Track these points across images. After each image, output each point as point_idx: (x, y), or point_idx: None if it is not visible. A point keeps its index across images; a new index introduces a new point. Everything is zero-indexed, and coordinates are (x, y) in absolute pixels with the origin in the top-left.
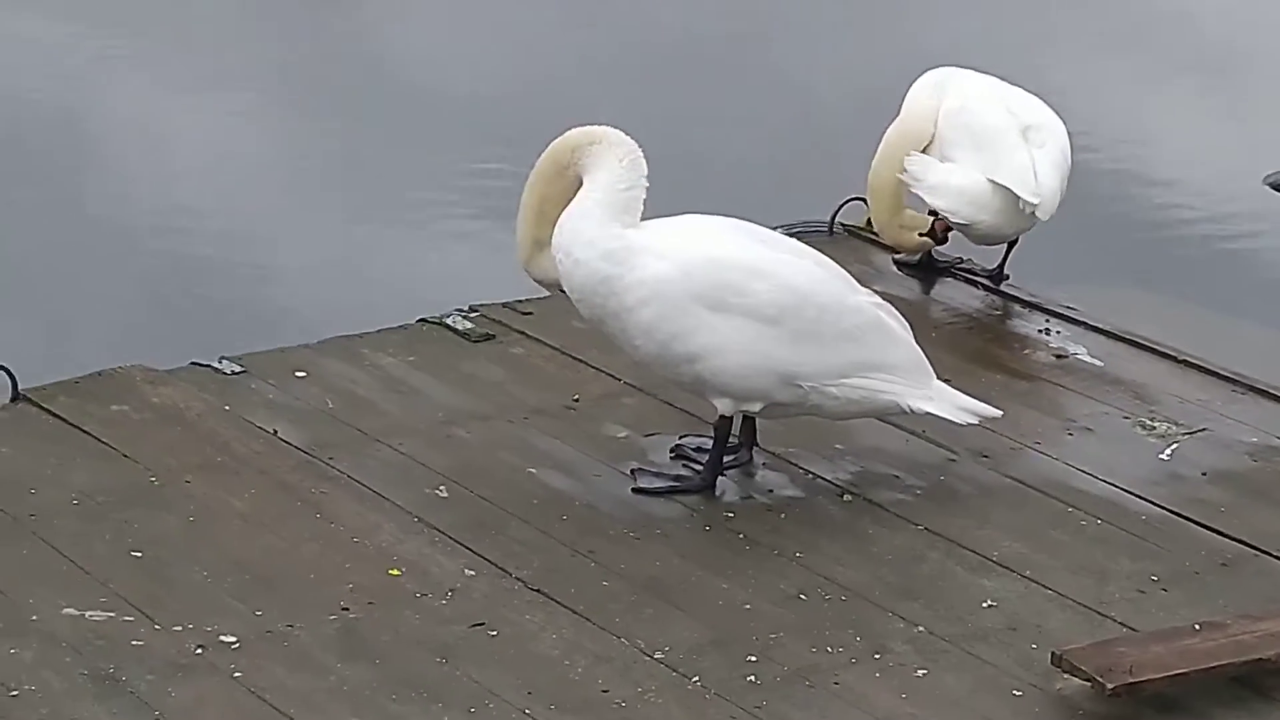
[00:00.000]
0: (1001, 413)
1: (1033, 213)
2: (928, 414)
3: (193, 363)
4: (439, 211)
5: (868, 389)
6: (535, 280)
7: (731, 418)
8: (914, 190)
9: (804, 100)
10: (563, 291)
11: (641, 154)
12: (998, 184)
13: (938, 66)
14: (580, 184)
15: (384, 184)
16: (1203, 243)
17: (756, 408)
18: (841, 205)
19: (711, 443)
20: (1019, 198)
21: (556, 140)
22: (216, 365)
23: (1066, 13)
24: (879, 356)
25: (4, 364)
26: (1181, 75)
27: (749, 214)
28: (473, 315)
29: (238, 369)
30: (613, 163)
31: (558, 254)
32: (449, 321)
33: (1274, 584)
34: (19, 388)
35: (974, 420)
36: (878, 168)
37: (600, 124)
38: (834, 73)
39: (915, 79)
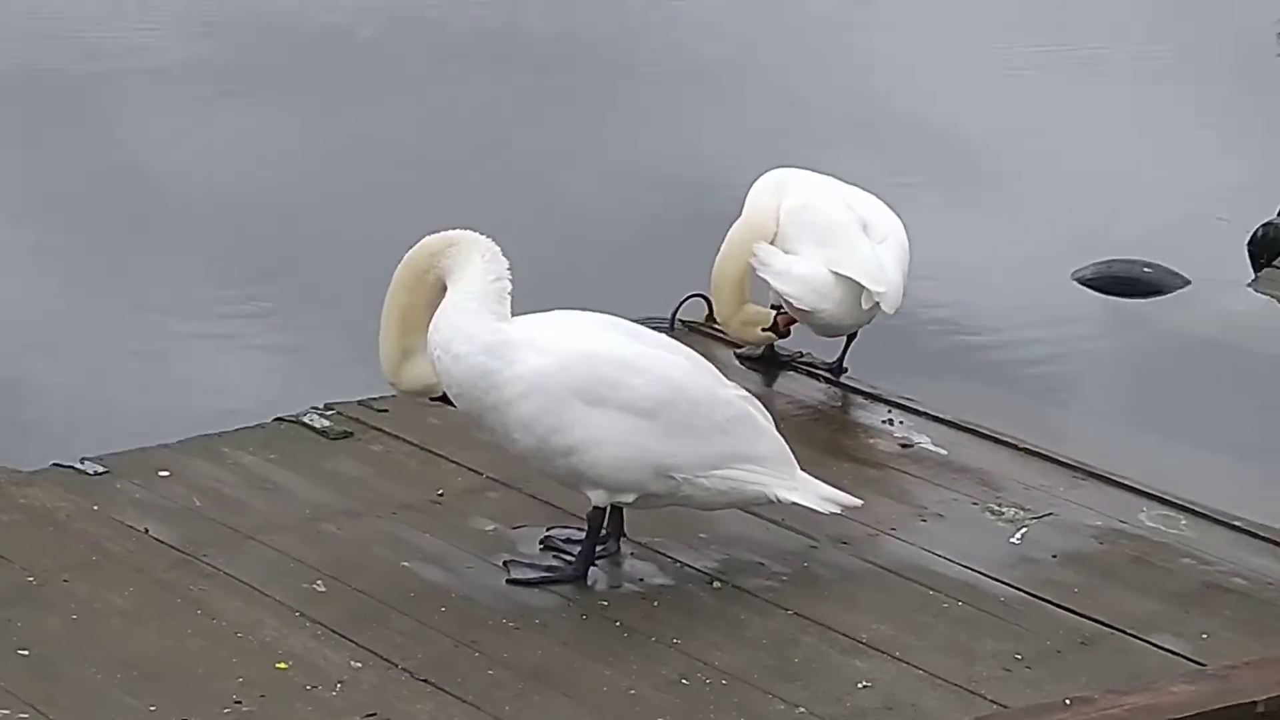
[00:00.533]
0: (862, 502)
1: (875, 305)
2: (794, 504)
3: (54, 464)
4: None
5: (737, 480)
6: (404, 390)
7: (605, 509)
8: (763, 276)
9: (637, 197)
10: (433, 400)
11: (499, 250)
12: (841, 275)
13: (777, 167)
14: (441, 289)
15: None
16: (1014, 339)
17: (630, 499)
18: (682, 302)
19: (582, 534)
20: (861, 290)
21: (412, 249)
22: (79, 466)
23: (823, 115)
24: (748, 448)
25: None
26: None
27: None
28: (329, 413)
29: (101, 469)
30: (475, 260)
31: (435, 351)
32: (306, 420)
33: (1133, 661)
34: None
35: (836, 510)
36: (722, 264)
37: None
38: (666, 169)
39: (752, 179)
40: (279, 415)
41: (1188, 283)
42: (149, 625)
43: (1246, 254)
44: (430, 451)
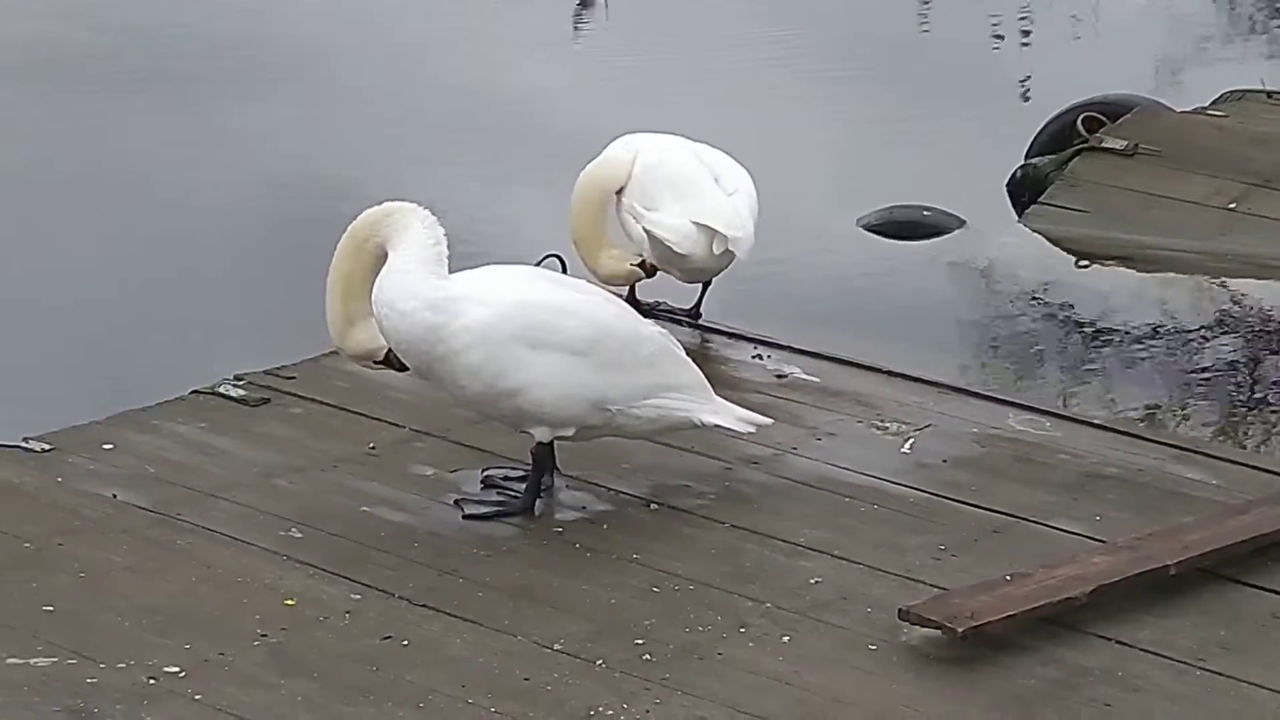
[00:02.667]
0: (773, 420)
1: (728, 251)
2: (716, 426)
3: (1, 444)
4: None
5: (665, 408)
6: (350, 355)
7: (550, 444)
8: (645, 227)
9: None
10: (377, 364)
11: (436, 218)
12: (701, 225)
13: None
14: (381, 257)
15: None
16: (810, 281)
17: (570, 432)
18: (539, 261)
19: (517, 470)
20: (715, 237)
21: (353, 222)
22: (25, 445)
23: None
24: (671, 379)
25: None
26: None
27: None
28: (240, 383)
29: (46, 447)
30: (415, 225)
31: (381, 309)
32: (222, 390)
33: (1044, 543)
34: None
35: (753, 429)
36: (576, 209)
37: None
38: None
39: None
40: (195, 389)
41: (964, 223)
42: (154, 577)
43: (1006, 195)
44: (349, 410)
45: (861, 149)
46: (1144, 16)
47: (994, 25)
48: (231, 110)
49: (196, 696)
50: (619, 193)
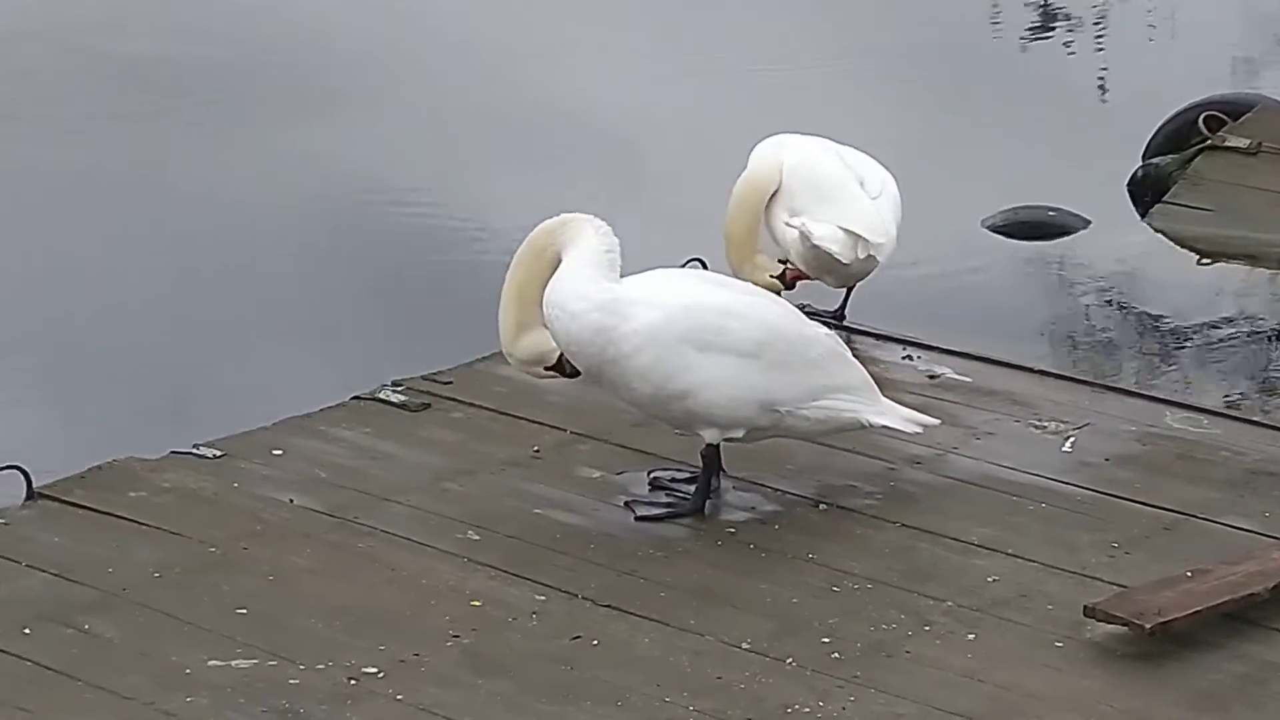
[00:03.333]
0: (940, 421)
1: (871, 256)
2: (884, 427)
3: (172, 452)
4: None
5: (832, 409)
6: (520, 362)
7: (718, 446)
8: (805, 232)
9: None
10: (547, 370)
11: (610, 228)
12: (849, 231)
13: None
14: (555, 265)
15: None
16: (939, 282)
17: (739, 434)
18: (684, 265)
19: (683, 472)
20: (860, 242)
21: (533, 232)
22: (197, 452)
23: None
24: (839, 379)
25: (20, 464)
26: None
27: None
28: (399, 389)
29: (218, 453)
30: (589, 233)
31: (552, 311)
32: (382, 396)
33: (1216, 540)
34: (33, 486)
35: (919, 429)
36: (733, 214)
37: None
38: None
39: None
40: (355, 395)
41: (1088, 223)
42: (340, 579)
43: (1127, 195)
44: (509, 414)
45: (975, 151)
46: (1220, 16)
47: (1069, 28)
48: (313, 125)
49: (398, 697)
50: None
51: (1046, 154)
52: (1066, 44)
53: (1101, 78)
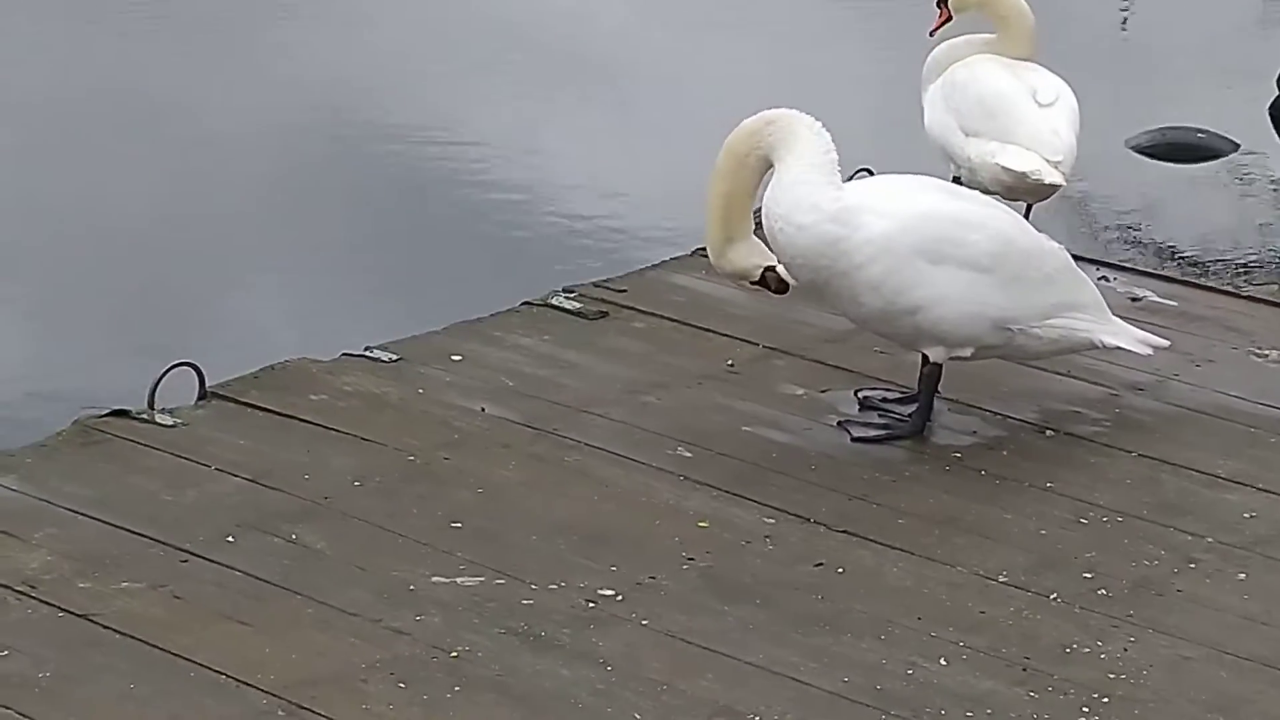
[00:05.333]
0: (1169, 342)
1: (1054, 175)
2: (1116, 347)
3: (344, 354)
4: None
5: (1065, 328)
6: (729, 274)
7: (941, 365)
8: (992, 160)
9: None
10: (754, 284)
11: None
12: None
13: None
14: (763, 170)
15: None
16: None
17: (967, 353)
18: (852, 177)
19: (900, 391)
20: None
21: (729, 136)
22: (371, 355)
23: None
24: (1073, 296)
25: (193, 361)
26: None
27: None
28: (571, 296)
29: (394, 356)
30: (803, 133)
31: (775, 223)
32: (555, 302)
33: None
34: (206, 385)
35: (1150, 351)
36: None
37: None
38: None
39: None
40: (525, 300)
41: (1237, 146)
42: (554, 494)
43: (1269, 118)
44: (692, 326)
45: (1108, 71)
46: None
47: None
48: None
49: (644, 622)
50: None
51: (1179, 76)
52: None
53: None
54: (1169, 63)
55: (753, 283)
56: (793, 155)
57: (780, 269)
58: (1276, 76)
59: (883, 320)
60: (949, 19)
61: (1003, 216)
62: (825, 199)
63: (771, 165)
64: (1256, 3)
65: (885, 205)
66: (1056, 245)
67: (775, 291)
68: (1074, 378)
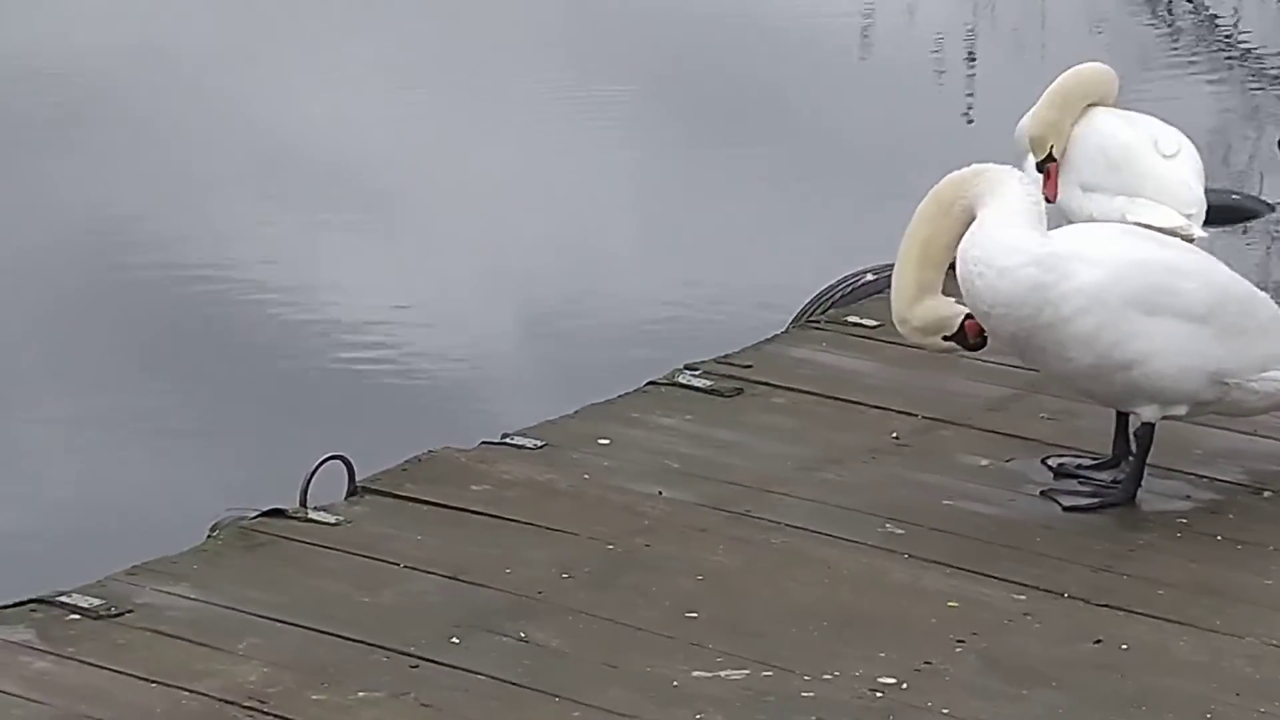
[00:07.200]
0: None
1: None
2: None
3: (484, 442)
4: None
5: None
6: (918, 327)
7: (1154, 425)
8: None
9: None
10: (945, 339)
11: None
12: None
13: None
14: (966, 222)
15: None
16: None
17: (1181, 411)
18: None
19: (1093, 459)
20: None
21: (938, 184)
22: (513, 442)
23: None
24: None
25: (343, 454)
26: None
27: None
28: (696, 373)
29: (539, 443)
30: (1011, 183)
31: (975, 269)
32: (682, 380)
33: None
34: (355, 479)
35: None
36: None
37: None
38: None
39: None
40: (650, 380)
41: (1273, 208)
42: (780, 578)
43: None
44: (837, 399)
45: None
46: None
47: None
48: None
49: (943, 710)
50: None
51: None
52: None
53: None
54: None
55: (946, 337)
56: (999, 200)
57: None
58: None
59: (1092, 377)
60: (1055, 163)
61: (1216, 264)
62: (1030, 242)
63: (974, 218)
64: None
65: (1095, 252)
66: (1264, 294)
67: (971, 347)
68: (1263, 436)
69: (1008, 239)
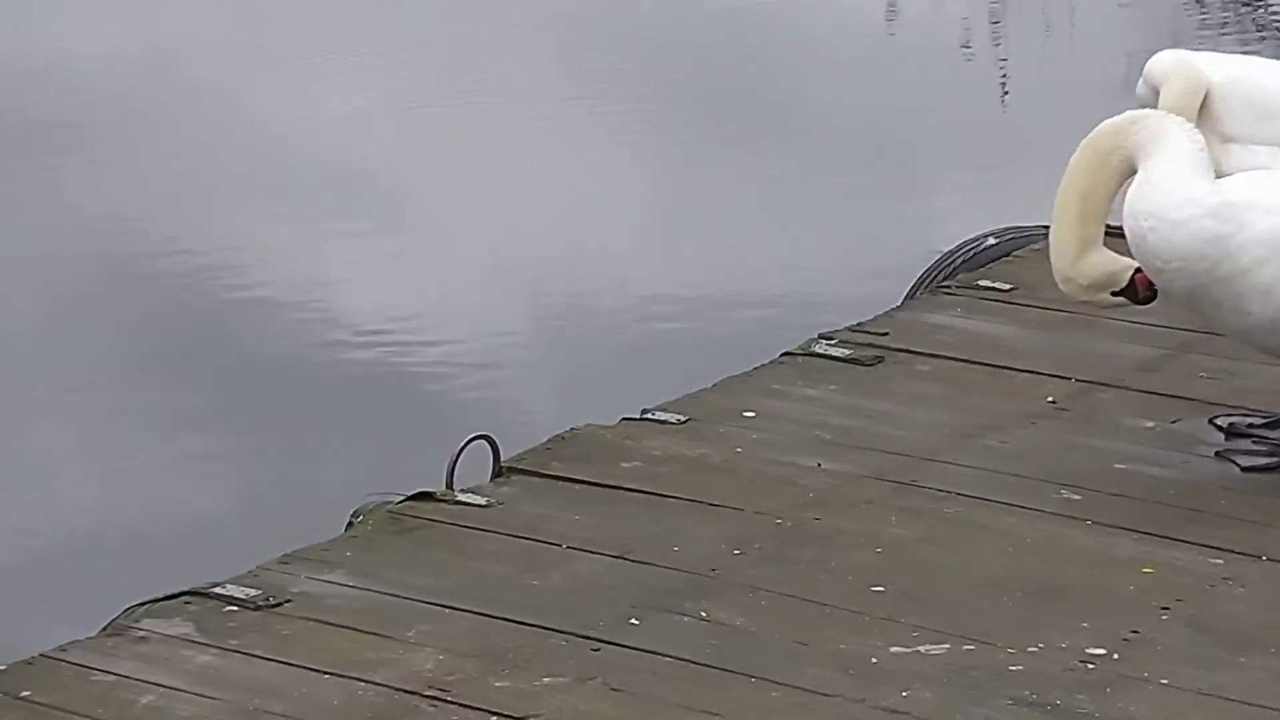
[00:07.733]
0: None
1: None
2: None
3: (624, 419)
4: None
5: None
6: (1083, 285)
7: None
8: None
9: None
10: (1111, 298)
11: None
12: None
13: None
14: (1126, 172)
15: None
16: None
17: None
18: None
19: (1264, 416)
20: None
21: (1092, 134)
22: (654, 417)
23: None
24: None
25: (489, 434)
26: None
27: None
28: (833, 342)
29: (680, 417)
30: (1173, 130)
31: (1144, 222)
32: (820, 350)
33: None
34: (500, 459)
35: None
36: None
37: None
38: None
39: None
40: (785, 351)
41: None
42: (961, 549)
43: None
44: (985, 364)
45: None
46: None
47: None
48: None
49: (1162, 680)
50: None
51: None
52: None
53: None
54: None
55: (1114, 292)
56: (1163, 149)
57: None
58: None
59: (1271, 330)
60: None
61: None
62: (1202, 192)
63: (1134, 170)
64: None
65: (1272, 199)
66: None
67: (1142, 301)
68: None
69: (1179, 190)
